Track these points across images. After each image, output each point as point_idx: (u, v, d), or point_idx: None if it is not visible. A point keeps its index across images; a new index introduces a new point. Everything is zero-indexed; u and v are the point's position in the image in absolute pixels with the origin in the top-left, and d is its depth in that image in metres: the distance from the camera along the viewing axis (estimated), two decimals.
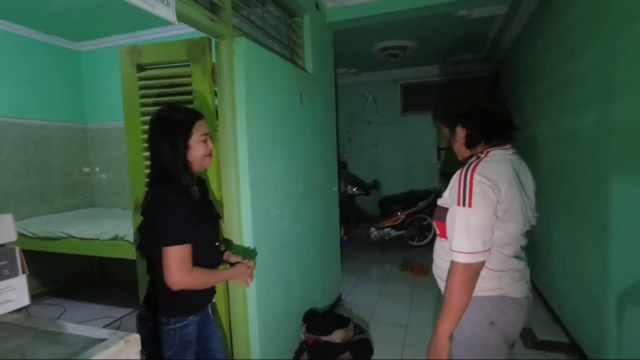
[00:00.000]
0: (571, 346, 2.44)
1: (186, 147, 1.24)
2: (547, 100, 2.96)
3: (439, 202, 1.22)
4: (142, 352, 1.28)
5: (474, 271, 1.07)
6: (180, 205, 1.17)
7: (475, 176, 1.06)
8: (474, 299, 1.11)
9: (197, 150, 1.26)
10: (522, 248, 1.22)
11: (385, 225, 4.86)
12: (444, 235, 1.19)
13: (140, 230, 1.28)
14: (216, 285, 1.41)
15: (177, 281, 1.16)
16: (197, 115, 1.30)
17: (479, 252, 1.05)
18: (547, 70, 2.95)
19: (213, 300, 1.43)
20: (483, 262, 1.09)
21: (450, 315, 1.09)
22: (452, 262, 1.10)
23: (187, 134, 1.24)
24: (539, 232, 2.97)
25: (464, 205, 1.06)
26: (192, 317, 1.29)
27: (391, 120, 6.09)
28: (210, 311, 1.45)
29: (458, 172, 1.12)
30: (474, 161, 1.13)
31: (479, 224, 1.05)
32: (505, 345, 1.17)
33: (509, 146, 1.19)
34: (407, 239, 4.98)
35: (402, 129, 6.05)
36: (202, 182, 1.42)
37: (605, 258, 1.96)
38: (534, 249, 3.42)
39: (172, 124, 1.24)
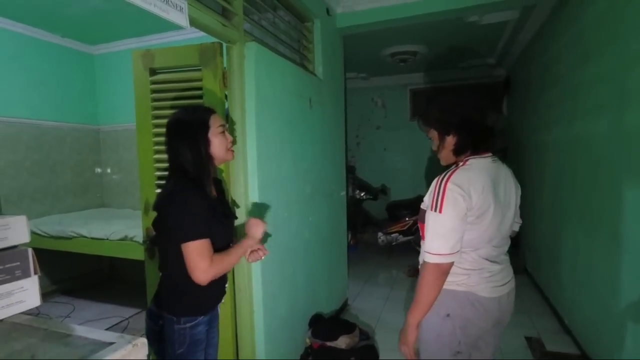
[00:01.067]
0: (581, 358, 2.39)
1: (207, 142, 1.26)
2: (560, 106, 2.92)
3: (422, 205, 1.30)
4: (152, 348, 1.30)
5: (441, 271, 1.16)
6: (195, 200, 1.19)
7: (449, 184, 1.15)
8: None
9: (218, 142, 1.28)
10: (500, 251, 1.27)
11: (393, 231, 4.84)
12: (424, 236, 1.27)
13: (155, 226, 1.30)
14: (226, 286, 1.42)
15: (202, 275, 1.18)
16: (210, 110, 1.33)
17: (447, 254, 1.14)
18: (560, 76, 2.91)
19: (222, 301, 1.43)
20: (451, 263, 1.17)
21: (419, 308, 1.20)
22: (424, 261, 1.20)
23: (206, 129, 1.27)
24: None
25: (435, 210, 1.15)
26: (202, 317, 1.30)
27: (400, 125, 6.08)
28: (218, 311, 1.45)
29: (435, 180, 1.20)
30: (451, 169, 1.20)
31: (446, 228, 1.14)
32: (462, 339, 1.24)
33: (489, 154, 1.25)
34: (414, 244, 4.94)
35: (411, 134, 6.02)
36: (218, 183, 1.44)
37: (617, 267, 1.92)
38: (543, 256, 3.37)
39: (189, 123, 1.26)
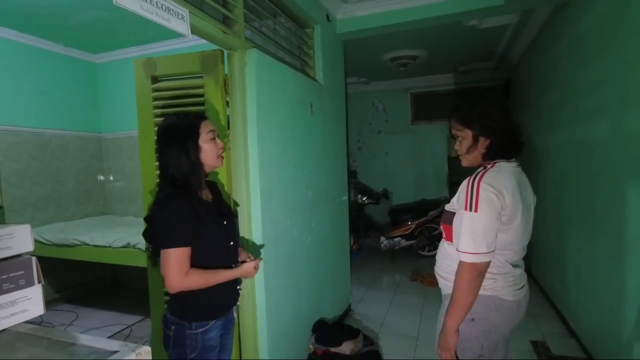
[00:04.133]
0: None
1: (197, 149, 1.25)
2: (560, 109, 2.92)
3: (447, 207, 1.32)
4: (168, 353, 1.29)
5: (479, 271, 1.16)
6: (179, 208, 1.18)
7: (482, 184, 1.15)
8: None
9: (208, 149, 1.27)
10: (521, 255, 1.29)
11: (395, 235, 4.82)
12: (449, 237, 1.28)
13: (146, 236, 1.30)
14: (239, 287, 1.41)
15: (174, 284, 1.17)
16: (200, 117, 1.31)
17: (484, 253, 1.14)
18: (560, 79, 2.92)
19: (238, 304, 1.42)
20: (488, 263, 1.17)
21: (457, 311, 1.19)
22: (460, 262, 1.18)
23: (195, 136, 1.25)
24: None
25: (470, 209, 1.14)
26: (213, 321, 1.30)
27: (401, 129, 6.09)
28: (234, 315, 1.45)
29: (466, 180, 1.20)
30: (481, 171, 1.21)
31: (484, 227, 1.14)
32: (485, 343, 1.23)
33: (513, 160, 1.27)
34: (417, 248, 4.93)
35: (412, 138, 6.03)
36: (212, 185, 1.43)
37: (622, 269, 1.91)
38: (547, 259, 3.35)
39: (179, 129, 1.24)
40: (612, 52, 2.01)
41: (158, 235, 1.20)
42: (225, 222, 1.34)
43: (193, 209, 1.20)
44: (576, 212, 2.62)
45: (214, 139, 1.30)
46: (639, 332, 1.77)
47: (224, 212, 1.37)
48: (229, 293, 1.36)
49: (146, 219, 1.27)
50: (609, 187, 2.06)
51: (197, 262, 1.22)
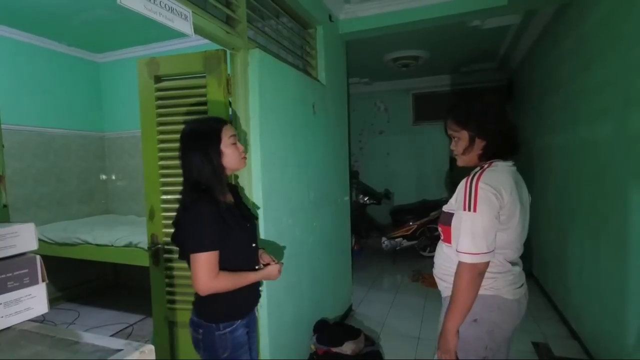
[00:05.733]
0: None
1: (219, 153, 1.27)
2: (563, 110, 2.92)
3: (445, 208, 1.31)
4: (200, 356, 1.31)
5: (478, 271, 1.16)
6: (207, 212, 1.20)
7: (480, 184, 1.15)
8: None
9: (230, 153, 1.30)
10: (519, 253, 1.29)
11: (397, 235, 4.82)
12: (447, 239, 1.27)
13: (174, 239, 1.33)
14: (261, 289, 1.44)
15: (204, 287, 1.19)
16: (221, 121, 1.34)
17: (483, 253, 1.14)
18: (563, 80, 2.91)
19: (259, 304, 1.44)
20: (487, 263, 1.17)
21: (457, 312, 1.19)
22: (459, 262, 1.18)
23: (218, 140, 1.27)
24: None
25: (469, 210, 1.14)
26: (239, 321, 1.32)
27: (403, 130, 6.08)
28: (256, 314, 1.47)
29: (464, 180, 1.20)
30: (478, 171, 1.21)
31: (483, 226, 1.13)
32: (489, 344, 1.23)
33: (509, 160, 1.27)
34: (418, 249, 4.93)
35: (414, 139, 6.03)
36: (233, 188, 1.46)
37: (624, 271, 1.90)
38: (549, 261, 3.34)
39: (201, 135, 1.27)
40: (616, 53, 2.00)
41: (185, 239, 1.23)
42: (248, 225, 1.37)
43: (219, 213, 1.22)
44: (579, 213, 2.61)
45: (235, 143, 1.32)
46: None
47: (245, 214, 1.40)
48: (252, 294, 1.39)
49: (174, 223, 1.30)
50: (612, 188, 2.06)
51: (223, 265, 1.24)
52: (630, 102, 1.85)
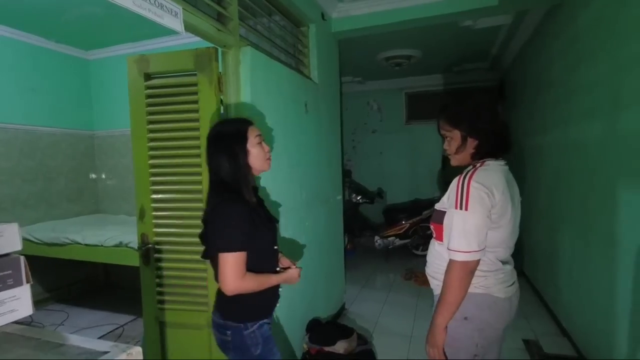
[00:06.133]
0: None
1: (246, 153, 1.28)
2: (554, 110, 2.95)
3: (437, 206, 1.32)
4: (228, 357, 1.30)
5: (469, 269, 1.17)
6: (236, 213, 1.21)
7: (473, 182, 1.16)
8: None
9: (256, 153, 1.30)
10: (510, 252, 1.30)
11: (390, 234, 4.84)
12: (439, 237, 1.28)
13: (202, 238, 1.33)
14: (280, 290, 1.44)
15: (231, 287, 1.19)
16: (247, 122, 1.35)
17: (475, 251, 1.15)
18: (554, 80, 2.94)
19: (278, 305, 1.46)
20: (478, 261, 1.17)
21: (446, 309, 1.20)
22: (450, 260, 1.19)
23: (244, 141, 1.28)
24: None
25: (461, 208, 1.15)
26: (264, 319, 1.35)
27: (396, 129, 6.10)
28: (273, 316, 1.49)
29: (456, 179, 1.21)
30: (470, 169, 1.21)
31: (474, 225, 1.14)
32: (480, 342, 1.24)
33: (501, 158, 1.28)
34: (411, 248, 4.95)
35: (407, 138, 6.05)
36: (255, 190, 1.45)
37: (613, 269, 1.93)
38: (540, 259, 3.38)
39: (228, 135, 1.28)
40: (606, 53, 2.03)
41: (211, 238, 1.23)
42: (271, 226, 1.38)
43: (248, 213, 1.23)
44: (569, 212, 2.64)
45: (260, 143, 1.32)
46: (629, 331, 1.79)
47: (269, 216, 1.41)
48: (274, 295, 1.41)
49: (203, 221, 1.30)
50: (602, 187, 2.08)
51: (248, 266, 1.24)
52: (619, 102, 1.87)
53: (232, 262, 1.18)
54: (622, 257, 1.85)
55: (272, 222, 1.40)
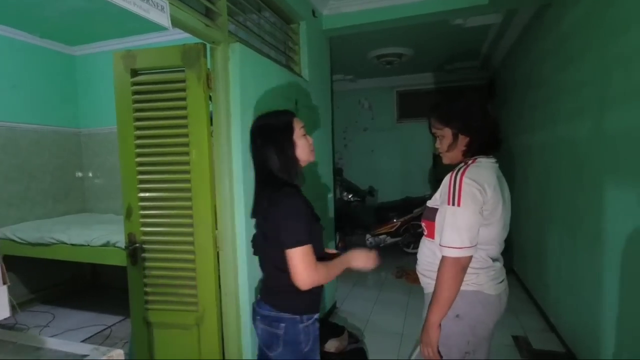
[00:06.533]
0: (567, 356, 2.42)
1: (293, 145, 1.27)
2: (543, 108, 2.97)
3: (429, 203, 1.32)
4: (273, 352, 1.25)
5: (461, 265, 1.17)
6: (297, 206, 1.20)
7: (465, 179, 1.16)
8: None
9: (302, 145, 1.29)
10: (501, 249, 1.31)
11: (381, 232, 4.85)
12: (431, 234, 1.29)
13: (257, 233, 1.31)
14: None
15: (306, 280, 1.17)
16: (291, 113, 1.33)
17: (467, 247, 1.15)
18: (542, 79, 2.97)
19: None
20: (470, 257, 1.17)
21: (440, 306, 1.19)
22: (443, 256, 1.19)
23: (291, 132, 1.27)
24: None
25: (453, 204, 1.15)
26: (317, 313, 1.33)
27: (387, 127, 6.11)
28: None
29: (448, 176, 1.21)
30: (462, 166, 1.22)
31: (466, 221, 1.14)
32: (471, 339, 1.24)
33: (492, 156, 1.29)
34: (402, 246, 4.97)
35: (398, 136, 6.06)
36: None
37: (599, 266, 1.95)
38: (529, 256, 3.42)
39: (275, 127, 1.27)
40: (593, 53, 2.05)
41: (275, 234, 1.20)
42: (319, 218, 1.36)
43: (305, 206, 1.22)
44: (557, 210, 2.67)
45: (305, 134, 1.31)
46: (616, 327, 1.81)
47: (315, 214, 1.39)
48: (322, 288, 1.38)
49: (262, 213, 1.26)
50: (590, 185, 2.11)
51: None
52: (606, 101, 1.89)
53: (302, 256, 1.16)
54: (608, 254, 1.88)
55: (317, 217, 1.37)
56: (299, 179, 1.29)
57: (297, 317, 1.26)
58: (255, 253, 1.36)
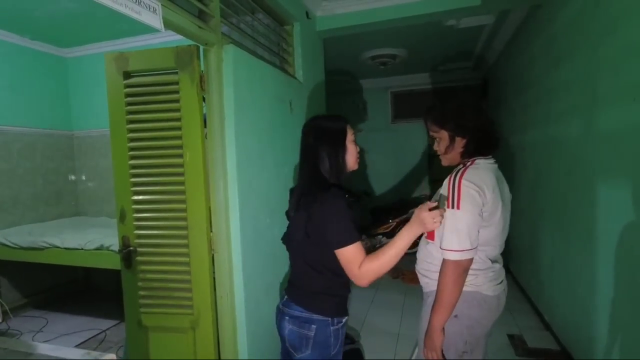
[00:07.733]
0: (562, 353, 2.44)
1: (345, 150, 1.29)
2: (535, 108, 3.00)
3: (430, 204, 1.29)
4: (298, 354, 1.25)
5: (463, 268, 1.17)
6: (344, 207, 1.21)
7: (463, 181, 1.16)
8: None
9: (352, 151, 1.32)
10: (500, 250, 1.32)
11: (376, 233, 4.85)
12: (430, 236, 1.29)
13: (293, 231, 1.32)
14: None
15: (364, 276, 1.16)
16: (345, 119, 1.34)
17: (467, 249, 1.15)
18: (534, 79, 2.99)
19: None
20: (471, 259, 1.18)
21: (442, 310, 1.19)
22: (444, 260, 1.19)
23: (345, 137, 1.30)
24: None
25: (453, 207, 1.15)
26: (346, 317, 1.34)
27: (382, 128, 6.12)
28: None
29: (447, 178, 1.21)
30: (461, 168, 1.22)
31: (466, 224, 1.14)
32: (469, 339, 1.25)
33: (490, 157, 1.30)
34: None
35: (393, 137, 6.08)
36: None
37: (592, 264, 1.97)
38: (523, 255, 3.44)
39: (331, 131, 1.29)
40: (583, 52, 2.07)
41: (321, 234, 1.19)
42: None
43: (349, 209, 1.23)
44: (550, 209, 2.69)
45: (354, 141, 1.33)
46: (609, 324, 1.83)
47: None
48: (349, 292, 1.40)
49: (304, 208, 1.25)
50: (582, 184, 2.13)
51: (336, 262, 1.21)
52: (597, 101, 1.91)
53: (353, 254, 1.16)
54: (601, 252, 1.90)
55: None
56: (342, 182, 1.30)
57: (329, 319, 1.26)
58: (288, 249, 1.37)
